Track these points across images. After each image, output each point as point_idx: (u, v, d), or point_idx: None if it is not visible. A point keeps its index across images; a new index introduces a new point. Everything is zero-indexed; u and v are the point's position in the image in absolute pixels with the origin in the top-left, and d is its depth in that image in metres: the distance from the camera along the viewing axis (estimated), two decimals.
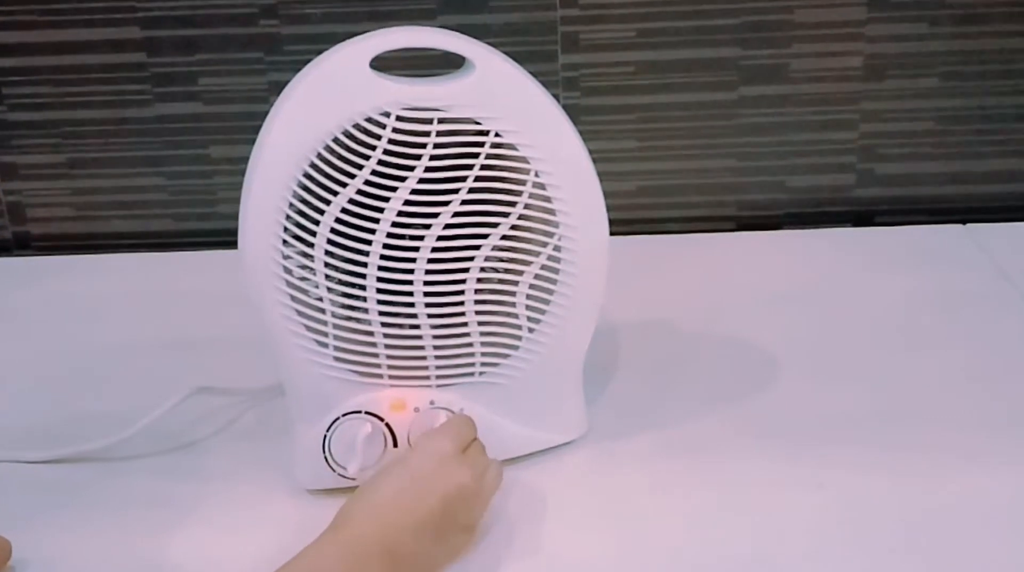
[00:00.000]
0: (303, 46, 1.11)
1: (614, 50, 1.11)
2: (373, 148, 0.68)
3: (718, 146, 1.14)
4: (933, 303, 0.97)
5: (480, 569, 0.69)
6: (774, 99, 1.12)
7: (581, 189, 0.73)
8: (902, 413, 0.82)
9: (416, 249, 0.70)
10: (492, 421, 0.75)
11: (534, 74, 0.71)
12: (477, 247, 0.71)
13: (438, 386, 0.75)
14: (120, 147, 1.15)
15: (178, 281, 1.09)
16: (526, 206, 0.72)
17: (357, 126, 0.68)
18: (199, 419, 0.85)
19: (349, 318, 0.72)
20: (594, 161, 0.73)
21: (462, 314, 0.73)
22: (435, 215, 0.70)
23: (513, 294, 0.73)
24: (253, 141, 0.70)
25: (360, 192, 0.69)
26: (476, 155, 0.70)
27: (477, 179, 0.70)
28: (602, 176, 0.73)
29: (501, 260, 0.73)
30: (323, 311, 0.71)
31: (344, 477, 0.74)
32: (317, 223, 0.69)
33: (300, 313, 0.71)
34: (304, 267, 0.71)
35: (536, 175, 0.71)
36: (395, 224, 0.70)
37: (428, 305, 0.72)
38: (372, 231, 0.69)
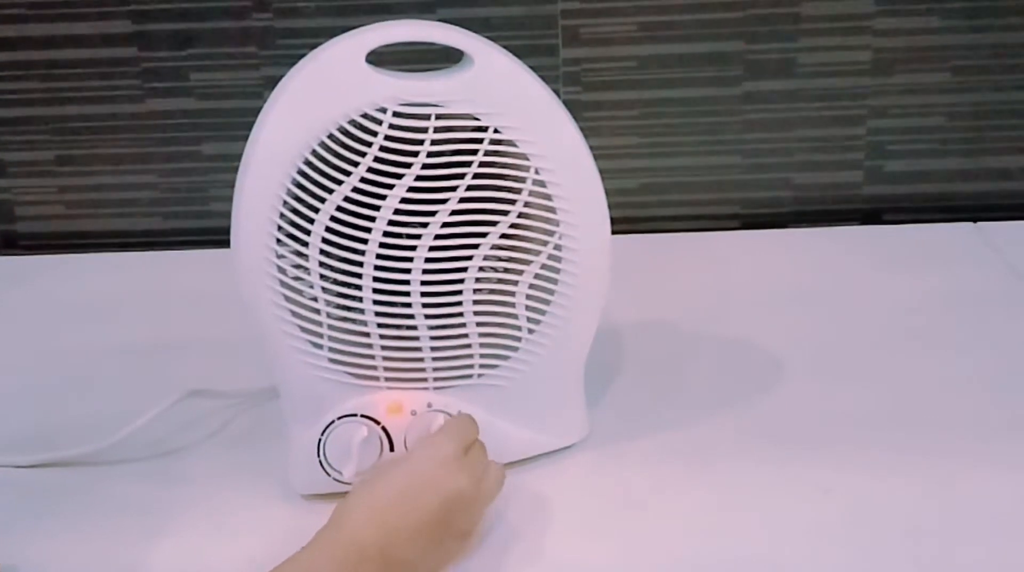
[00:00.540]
0: (297, 40, 1.10)
1: (616, 44, 1.10)
2: (369, 145, 0.68)
3: (723, 142, 1.14)
4: (943, 303, 0.97)
5: None
6: (780, 94, 1.12)
7: (582, 186, 0.72)
8: (910, 416, 0.82)
9: (413, 248, 0.70)
10: (491, 424, 0.75)
11: (534, 69, 0.71)
12: (476, 246, 0.71)
13: (436, 388, 0.74)
14: (110, 143, 1.15)
15: (170, 281, 1.09)
16: (526, 204, 0.71)
17: (353, 122, 0.68)
18: (190, 423, 0.85)
19: (344, 319, 0.72)
20: (596, 158, 0.73)
21: (460, 315, 0.73)
22: (433, 213, 0.70)
23: (513, 294, 0.73)
24: (246, 137, 0.70)
25: (356, 190, 0.69)
26: (475, 152, 0.70)
27: (476, 176, 0.70)
28: (604, 173, 0.73)
29: (500, 259, 0.73)
30: (318, 311, 0.71)
31: (339, 482, 0.74)
32: (312, 221, 0.69)
33: (294, 313, 0.71)
34: (298, 266, 0.71)
35: (536, 172, 0.71)
36: (392, 222, 0.70)
37: (425, 305, 0.72)
38: (368, 230, 0.69)
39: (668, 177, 1.15)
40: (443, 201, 0.70)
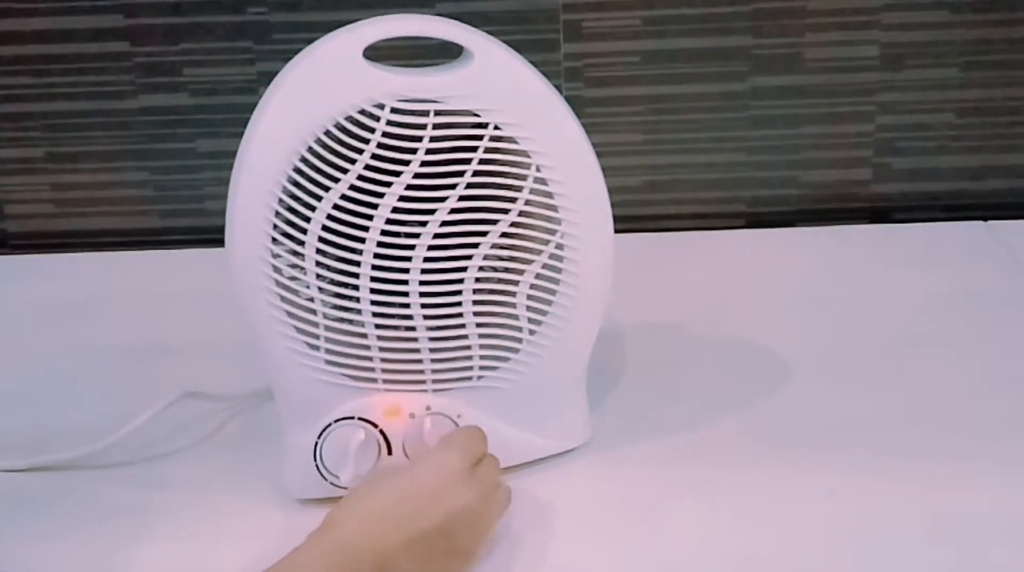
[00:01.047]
0: (293, 35, 1.11)
1: (619, 39, 1.10)
2: (367, 142, 0.68)
3: (728, 139, 1.14)
4: (952, 304, 0.97)
5: None
6: (787, 90, 1.12)
7: (584, 184, 0.73)
8: (919, 418, 0.82)
9: (412, 247, 0.70)
10: (491, 427, 0.75)
11: (535, 64, 0.71)
12: (475, 245, 0.71)
13: (435, 391, 0.74)
14: (102, 140, 1.15)
15: (163, 281, 1.09)
16: (527, 202, 0.72)
17: (350, 118, 0.68)
18: (184, 425, 0.85)
19: (341, 319, 0.72)
20: (598, 155, 0.73)
21: (460, 315, 0.73)
22: (431, 211, 0.70)
23: (513, 294, 0.73)
24: (241, 134, 0.70)
25: (353, 187, 0.69)
26: (474, 149, 0.70)
27: (475, 174, 0.70)
28: (606, 171, 0.73)
29: (500, 259, 0.73)
30: (314, 312, 0.71)
31: (336, 486, 0.74)
32: (308, 220, 0.69)
33: (290, 314, 0.71)
34: (294, 266, 0.71)
35: (537, 170, 0.71)
36: (390, 221, 0.70)
37: (424, 306, 0.72)
38: (366, 228, 0.69)
39: (672, 175, 1.15)
40: (442, 199, 0.70)
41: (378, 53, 0.69)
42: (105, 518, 0.76)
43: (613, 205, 0.73)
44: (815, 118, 1.13)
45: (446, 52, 0.71)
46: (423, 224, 0.70)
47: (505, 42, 0.71)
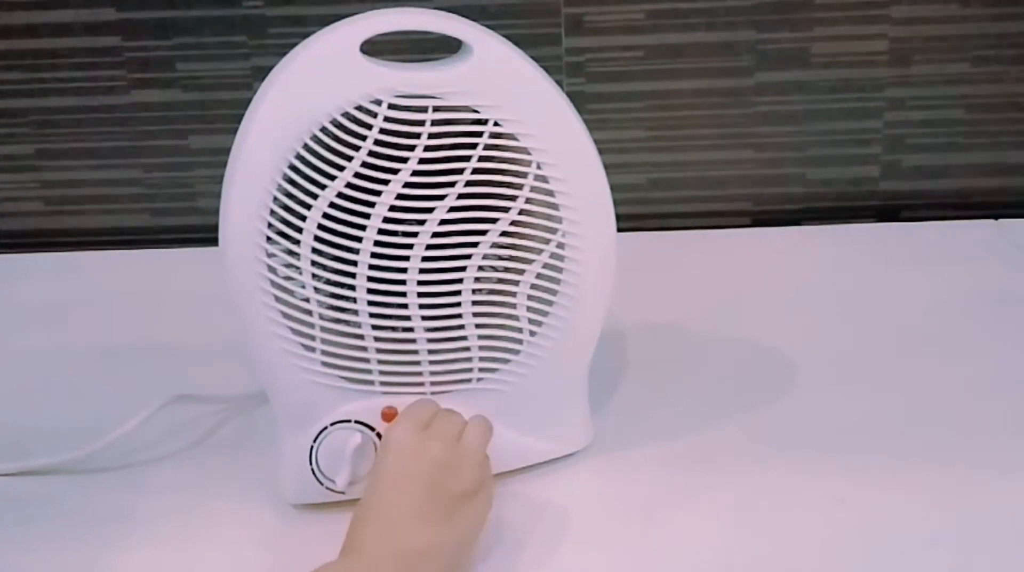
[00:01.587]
0: (289, 29, 1.11)
1: (621, 33, 1.11)
2: (364, 138, 0.68)
3: (733, 136, 1.14)
4: (963, 304, 0.97)
5: None
6: (793, 85, 1.12)
7: (586, 182, 0.73)
8: (928, 422, 0.82)
9: (410, 246, 0.70)
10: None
11: (536, 59, 0.71)
12: (475, 244, 0.71)
13: (433, 393, 0.74)
14: (93, 137, 1.15)
15: (155, 281, 1.09)
16: (527, 200, 0.72)
17: (346, 115, 0.68)
18: (176, 429, 0.85)
19: (338, 320, 0.72)
20: (600, 152, 0.73)
21: (459, 316, 0.73)
22: (430, 210, 0.70)
23: (513, 295, 0.73)
24: (235, 131, 0.70)
25: (350, 185, 0.69)
26: (474, 146, 0.70)
27: (475, 171, 0.70)
28: (608, 168, 0.73)
29: (500, 258, 0.73)
30: (310, 313, 0.71)
31: (332, 491, 0.74)
32: (304, 218, 0.69)
33: (285, 315, 0.71)
34: (290, 266, 0.71)
35: (538, 167, 0.71)
36: (387, 220, 0.70)
37: (422, 306, 0.72)
38: (363, 227, 0.69)
39: (676, 172, 1.15)
40: (441, 197, 0.70)
41: (375, 48, 0.69)
42: (94, 524, 0.76)
43: (615, 203, 0.73)
44: (822, 114, 1.13)
45: (445, 47, 0.71)
46: (421, 223, 0.70)
47: (505, 36, 0.71)
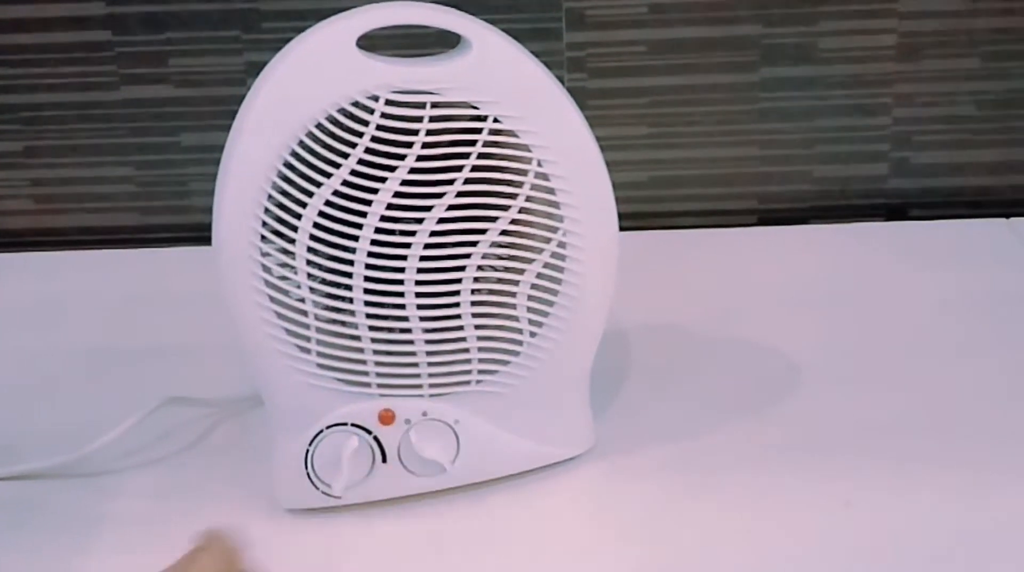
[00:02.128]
0: (283, 23, 1.11)
1: (624, 27, 1.11)
2: (360, 135, 0.69)
3: (738, 133, 1.14)
4: (973, 304, 0.97)
5: None
6: (799, 81, 1.12)
7: (588, 180, 0.73)
8: (938, 424, 0.82)
9: (407, 245, 0.70)
10: (490, 434, 0.75)
11: (536, 54, 0.72)
12: (474, 243, 0.71)
13: (431, 396, 0.75)
14: (83, 134, 1.15)
15: (146, 281, 1.09)
16: (527, 199, 0.72)
17: (342, 111, 0.68)
18: (169, 432, 0.85)
19: (334, 321, 0.72)
20: (602, 149, 0.73)
21: (458, 317, 0.73)
22: (428, 208, 0.70)
23: (513, 295, 0.73)
24: (228, 127, 0.70)
25: (346, 183, 0.69)
26: (473, 143, 0.70)
27: (474, 169, 0.70)
28: (611, 165, 0.73)
29: (500, 258, 0.73)
30: (305, 313, 0.71)
31: (328, 496, 0.75)
32: (299, 217, 0.69)
33: (280, 316, 0.71)
34: (285, 265, 0.71)
35: (538, 165, 0.71)
36: (384, 218, 0.70)
37: (420, 307, 0.72)
38: (359, 226, 0.69)
39: (680, 170, 1.15)
40: (439, 195, 0.70)
41: (372, 42, 0.69)
42: (83, 529, 0.76)
43: (618, 201, 0.74)
44: (829, 110, 1.13)
45: (443, 41, 0.71)
46: (419, 221, 0.70)
47: (505, 31, 0.71)
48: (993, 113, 1.13)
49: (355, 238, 0.70)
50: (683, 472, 0.79)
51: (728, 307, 0.99)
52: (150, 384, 0.87)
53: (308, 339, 0.72)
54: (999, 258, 1.05)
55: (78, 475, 0.81)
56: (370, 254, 0.70)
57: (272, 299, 0.71)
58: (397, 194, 0.69)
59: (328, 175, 0.69)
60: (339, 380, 0.73)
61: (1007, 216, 1.12)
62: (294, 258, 0.70)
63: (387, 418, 0.74)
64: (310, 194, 0.69)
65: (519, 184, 0.71)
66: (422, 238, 0.70)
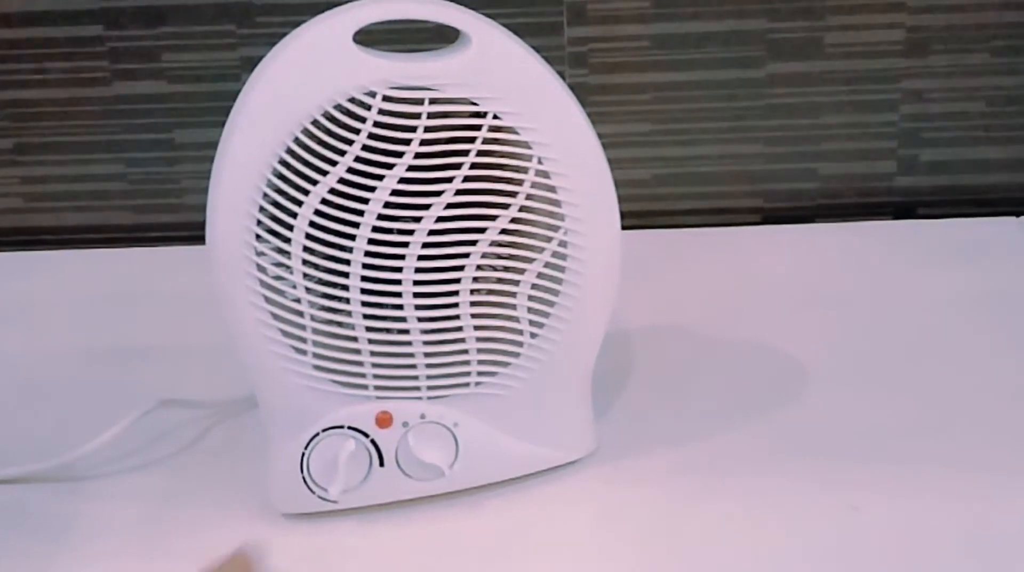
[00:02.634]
0: (279, 17, 1.11)
1: (627, 22, 1.11)
2: (357, 131, 0.69)
3: (743, 129, 1.14)
4: (982, 304, 0.97)
5: None
6: (806, 77, 1.12)
7: (589, 178, 0.73)
8: (947, 427, 0.82)
9: (405, 245, 0.70)
10: (490, 437, 0.75)
11: (537, 49, 0.72)
12: (473, 243, 0.71)
13: (429, 398, 0.75)
14: (74, 131, 1.15)
15: (139, 280, 1.09)
16: (528, 197, 0.72)
17: (339, 107, 0.68)
18: (161, 436, 0.85)
19: (330, 322, 0.72)
20: (604, 146, 0.73)
21: (456, 318, 0.73)
22: (426, 207, 0.70)
23: (513, 295, 0.73)
24: (223, 124, 0.70)
25: (342, 181, 0.69)
26: (472, 140, 0.70)
27: (473, 166, 0.70)
28: (613, 163, 0.73)
29: (500, 257, 0.73)
30: (301, 314, 0.71)
31: (324, 500, 0.75)
32: (295, 215, 0.69)
33: (276, 316, 0.71)
34: (280, 265, 0.71)
35: (539, 162, 0.71)
36: (381, 217, 0.70)
37: (419, 307, 0.72)
38: (356, 225, 0.70)
39: (683, 167, 1.15)
40: (438, 193, 0.70)
41: (370, 37, 0.69)
42: (77, 534, 0.76)
43: (620, 200, 0.74)
44: (836, 107, 1.13)
45: (442, 36, 0.71)
46: (417, 220, 0.70)
47: (505, 25, 0.71)
48: (1003, 109, 1.13)
49: (352, 237, 0.70)
50: (687, 476, 0.79)
51: (733, 307, 0.99)
52: (143, 386, 0.87)
53: (304, 340, 0.72)
54: (1009, 257, 1.05)
55: (69, 479, 0.81)
56: (367, 253, 0.70)
57: (267, 299, 0.71)
58: (395, 192, 0.69)
59: (324, 173, 0.69)
60: (335, 382, 0.73)
61: (1017, 214, 1.12)
62: (290, 257, 0.70)
63: (384, 421, 0.74)
64: (306, 192, 0.69)
65: (519, 182, 0.71)
66: (420, 237, 0.70)
